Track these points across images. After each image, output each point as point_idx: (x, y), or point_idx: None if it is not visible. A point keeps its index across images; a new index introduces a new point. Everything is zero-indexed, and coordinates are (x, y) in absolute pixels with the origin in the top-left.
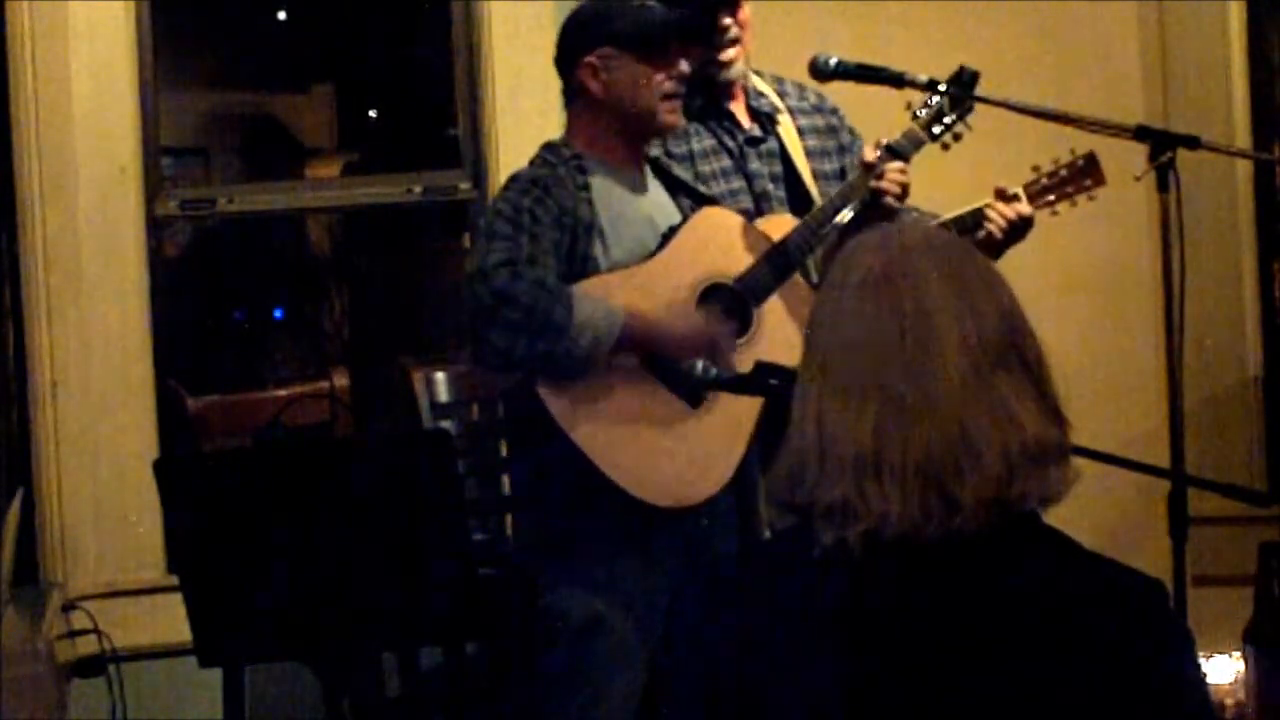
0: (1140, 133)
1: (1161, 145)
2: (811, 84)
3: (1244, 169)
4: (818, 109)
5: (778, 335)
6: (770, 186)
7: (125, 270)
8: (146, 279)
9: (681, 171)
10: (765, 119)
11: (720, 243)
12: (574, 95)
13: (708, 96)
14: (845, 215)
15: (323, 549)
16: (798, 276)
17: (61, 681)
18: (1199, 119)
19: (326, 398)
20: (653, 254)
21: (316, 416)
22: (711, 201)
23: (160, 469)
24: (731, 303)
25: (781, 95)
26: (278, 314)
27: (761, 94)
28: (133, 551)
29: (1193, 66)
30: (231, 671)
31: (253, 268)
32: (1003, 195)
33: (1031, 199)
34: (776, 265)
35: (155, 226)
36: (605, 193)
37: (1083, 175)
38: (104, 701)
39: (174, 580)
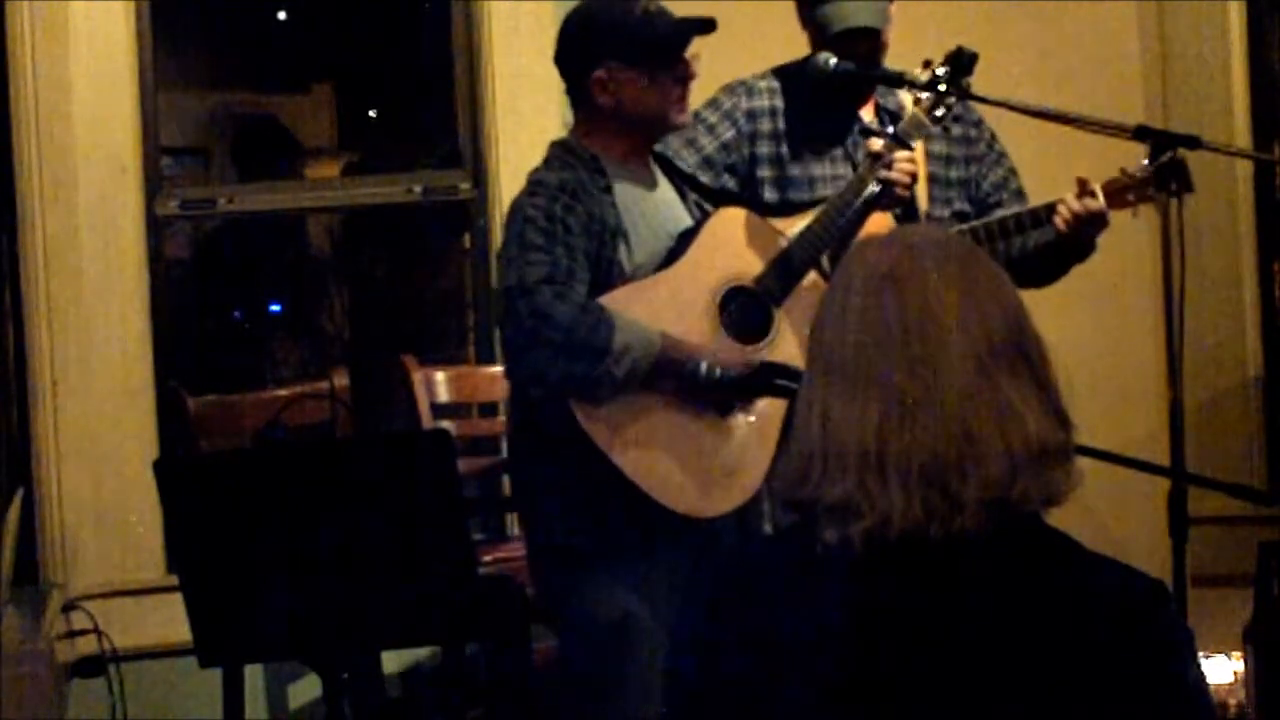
0: (1140, 133)
1: (1161, 145)
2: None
3: (1244, 169)
4: (957, 118)
5: (800, 334)
6: None
7: (125, 270)
8: (146, 279)
9: (790, 149)
10: (889, 116)
11: (738, 243)
12: (582, 101)
13: (832, 83)
14: (859, 205)
15: (323, 549)
16: (814, 273)
17: (61, 681)
18: (1199, 119)
19: (326, 398)
20: (672, 258)
21: (316, 416)
22: (722, 198)
23: (160, 469)
24: (753, 304)
25: (917, 100)
26: (277, 313)
27: (892, 92)
28: (133, 551)
29: (1193, 66)
30: (231, 671)
31: (253, 268)
32: (1082, 188)
33: (1108, 197)
34: (790, 264)
35: (155, 226)
36: (625, 195)
37: (1168, 179)
38: (104, 701)
39: (174, 580)
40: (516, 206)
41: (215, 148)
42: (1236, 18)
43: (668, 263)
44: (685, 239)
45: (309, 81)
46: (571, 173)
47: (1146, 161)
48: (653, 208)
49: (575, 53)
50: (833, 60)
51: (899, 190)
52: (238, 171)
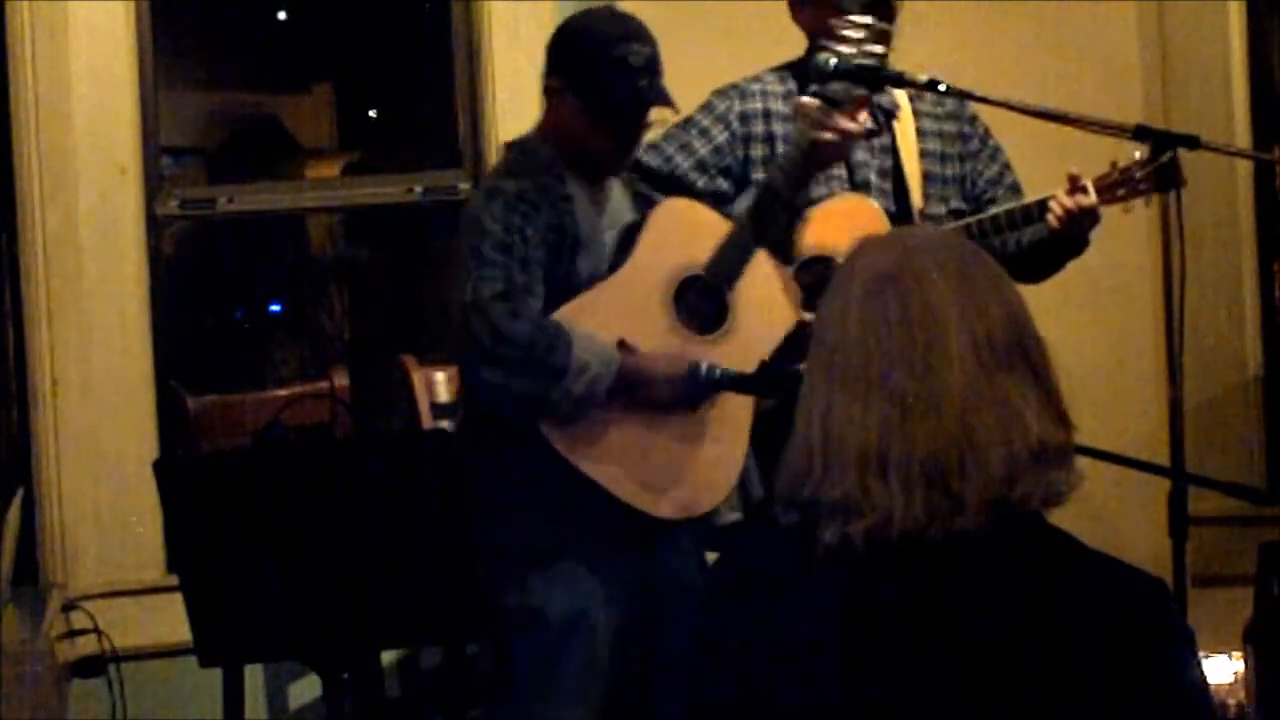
0: (1140, 133)
1: (1161, 145)
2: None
3: (1244, 169)
4: (952, 115)
5: (753, 316)
6: (874, 178)
7: (125, 270)
8: (146, 279)
9: (785, 150)
10: (883, 114)
11: (684, 233)
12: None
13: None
14: (794, 170)
15: (323, 549)
16: (764, 252)
17: (61, 681)
18: (1199, 119)
19: (326, 398)
20: (621, 259)
21: (316, 416)
22: (676, 189)
23: (160, 469)
24: (706, 292)
25: (914, 97)
26: (277, 313)
27: (885, 90)
28: (133, 551)
29: (1193, 66)
30: (231, 671)
31: (253, 268)
32: (1073, 184)
33: (1100, 192)
34: (737, 245)
35: (155, 226)
36: (581, 201)
37: (1160, 172)
38: (104, 701)
39: (174, 580)
40: (473, 215)
41: (215, 148)
42: (1236, 18)
43: (617, 265)
44: (630, 237)
45: (309, 81)
46: (530, 180)
47: (1138, 155)
48: (608, 212)
49: (550, 51)
50: (834, 60)
51: (831, 150)
52: (238, 171)
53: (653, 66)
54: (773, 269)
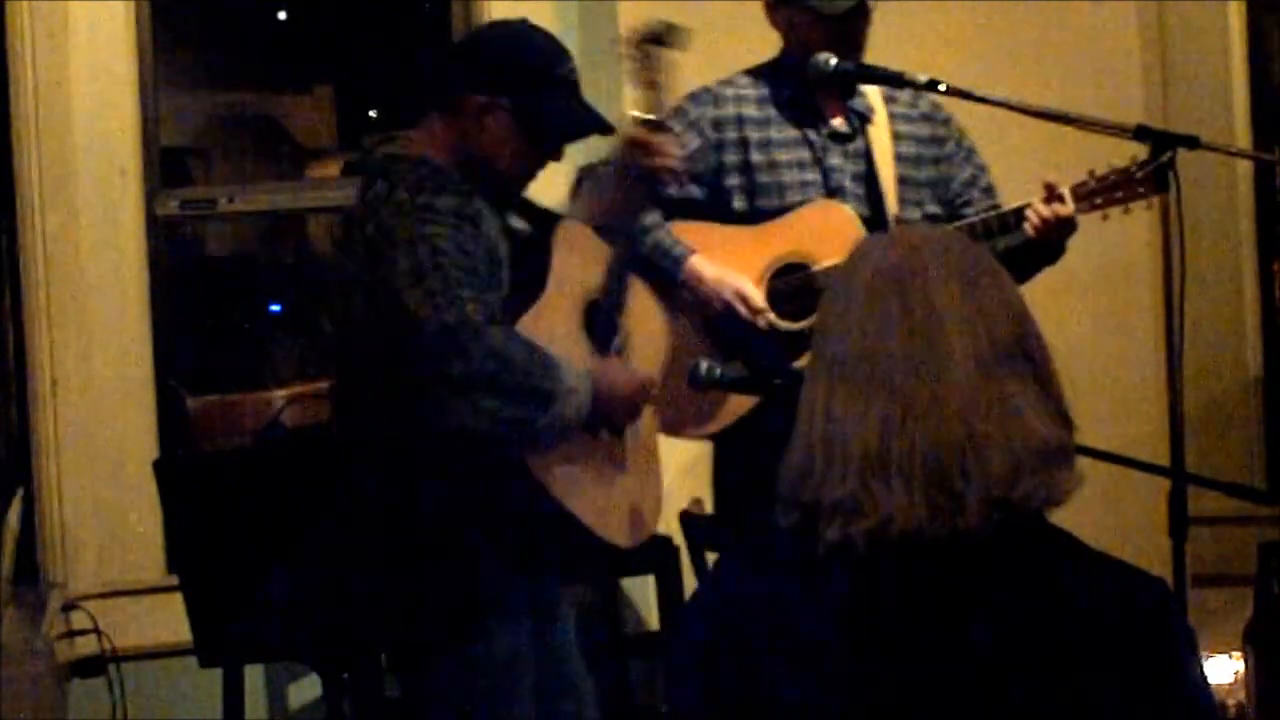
0: (1140, 133)
1: (1161, 145)
2: (931, 95)
3: (1244, 169)
4: (926, 117)
5: (640, 333)
6: (848, 183)
7: (125, 270)
8: (146, 279)
9: (758, 156)
10: (858, 118)
11: (584, 257)
12: (447, 109)
13: (801, 87)
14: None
15: (323, 549)
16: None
17: (61, 681)
18: (1199, 119)
19: (326, 398)
20: (534, 286)
21: (316, 416)
22: (540, 213)
23: (160, 469)
24: (607, 315)
25: (888, 100)
26: (277, 313)
27: (860, 93)
28: (133, 551)
29: (1193, 66)
30: (231, 671)
31: (253, 268)
32: (1050, 193)
33: (1078, 200)
34: (622, 269)
35: (155, 226)
36: (488, 221)
37: (1139, 182)
38: (104, 701)
39: (174, 580)
40: (416, 234)
41: (215, 148)
42: (1236, 18)
43: (529, 290)
44: (532, 262)
45: (309, 81)
46: (453, 198)
47: (1117, 163)
48: (506, 234)
49: (474, 67)
50: (833, 60)
51: (667, 175)
52: (238, 172)
53: (578, 85)
54: (639, 284)
